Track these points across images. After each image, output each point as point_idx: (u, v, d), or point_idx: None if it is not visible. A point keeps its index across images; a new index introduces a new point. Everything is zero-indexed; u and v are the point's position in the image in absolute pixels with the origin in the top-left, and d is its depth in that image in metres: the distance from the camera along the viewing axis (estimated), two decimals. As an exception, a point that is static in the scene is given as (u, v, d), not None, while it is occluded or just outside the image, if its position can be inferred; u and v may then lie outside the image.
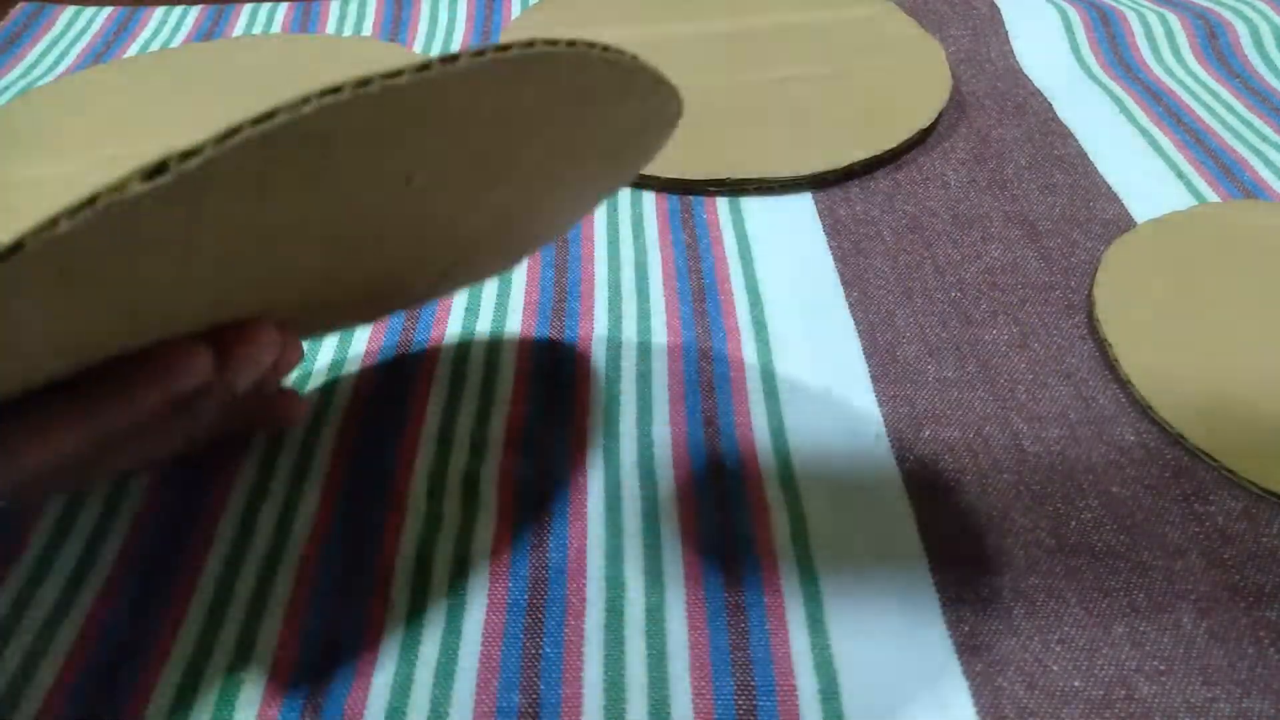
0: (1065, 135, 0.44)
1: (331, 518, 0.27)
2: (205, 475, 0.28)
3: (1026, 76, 0.49)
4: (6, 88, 0.48)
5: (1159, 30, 0.52)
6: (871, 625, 0.25)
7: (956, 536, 0.27)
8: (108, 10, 0.55)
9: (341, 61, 0.48)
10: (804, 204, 0.40)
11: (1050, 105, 0.46)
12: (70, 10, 0.55)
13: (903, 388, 0.31)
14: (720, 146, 0.41)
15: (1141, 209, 0.39)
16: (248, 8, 0.56)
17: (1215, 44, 0.50)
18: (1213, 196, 0.40)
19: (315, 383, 0.31)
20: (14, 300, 0.13)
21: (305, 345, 0.33)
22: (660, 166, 0.40)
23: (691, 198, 0.40)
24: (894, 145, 0.42)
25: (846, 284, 0.35)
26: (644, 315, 0.34)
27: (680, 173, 0.40)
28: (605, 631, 0.24)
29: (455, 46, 0.52)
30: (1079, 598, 0.25)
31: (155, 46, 0.52)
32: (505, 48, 0.16)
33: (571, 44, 0.16)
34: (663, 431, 0.29)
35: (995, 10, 0.54)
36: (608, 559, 0.26)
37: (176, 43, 0.53)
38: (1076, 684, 0.23)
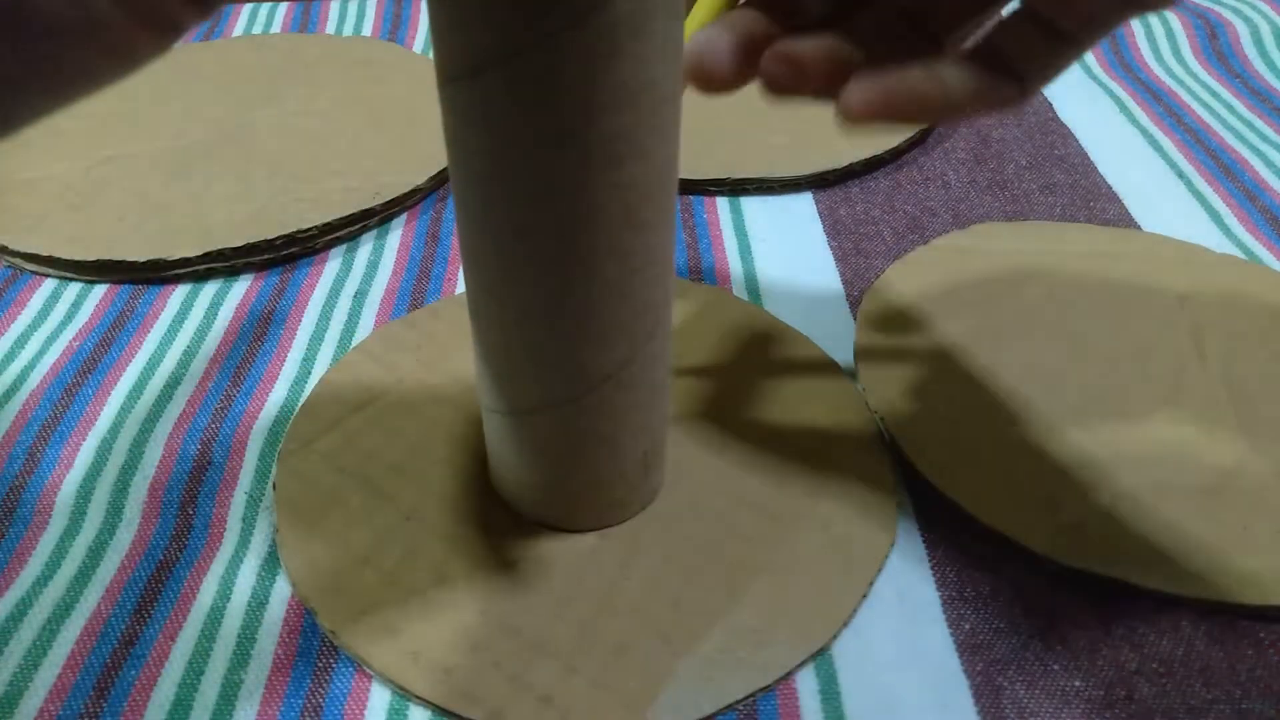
0: (1065, 135, 0.44)
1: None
2: (210, 481, 0.28)
3: (1027, 76, 0.49)
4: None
5: (1159, 30, 0.52)
6: (872, 624, 0.25)
7: (957, 533, 0.27)
8: (108, 10, 0.55)
9: (342, 61, 0.48)
10: (804, 204, 0.40)
11: (1050, 105, 0.46)
12: (70, 10, 0.55)
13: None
14: (720, 146, 0.41)
15: (1141, 209, 0.39)
16: (248, 7, 0.56)
17: (1215, 44, 0.50)
18: (1213, 196, 0.40)
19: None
20: None
21: None
22: (660, 166, 0.40)
23: (691, 198, 0.40)
24: (894, 145, 0.42)
25: (847, 284, 0.35)
26: (644, 315, 0.34)
27: (680, 173, 0.40)
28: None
29: (455, 46, 0.52)
30: (1079, 597, 0.25)
31: (155, 46, 0.52)
32: None
33: None
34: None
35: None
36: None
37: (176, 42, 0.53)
38: (1077, 684, 0.23)
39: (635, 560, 0.25)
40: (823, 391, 0.30)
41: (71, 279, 0.36)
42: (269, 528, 0.27)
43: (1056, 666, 0.24)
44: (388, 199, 0.38)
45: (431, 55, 0.51)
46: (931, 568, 0.26)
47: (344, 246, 0.38)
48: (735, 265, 0.36)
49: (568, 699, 0.22)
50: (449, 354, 0.32)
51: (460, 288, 0.35)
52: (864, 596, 0.25)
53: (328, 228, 0.37)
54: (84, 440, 0.30)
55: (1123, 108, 0.46)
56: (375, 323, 0.34)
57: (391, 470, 0.28)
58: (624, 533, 0.26)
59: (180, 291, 0.35)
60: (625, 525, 0.26)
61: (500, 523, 0.26)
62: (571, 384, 0.22)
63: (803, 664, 0.23)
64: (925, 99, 0.21)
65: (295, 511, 0.27)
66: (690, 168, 0.40)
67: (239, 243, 0.36)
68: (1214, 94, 0.47)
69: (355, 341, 0.33)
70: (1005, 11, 0.21)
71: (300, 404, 0.30)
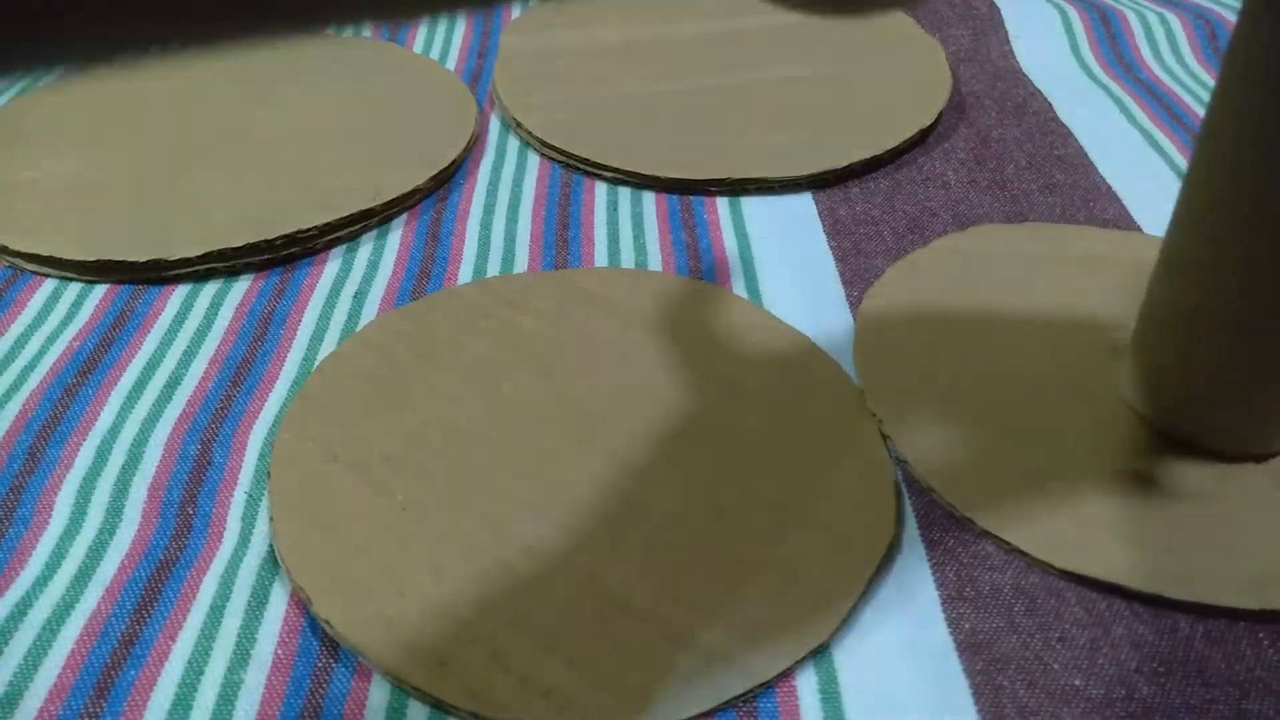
0: (1065, 135, 0.44)
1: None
2: (208, 495, 0.28)
3: (1026, 76, 0.49)
4: (6, 88, 0.48)
5: (1159, 30, 0.52)
6: (872, 624, 0.25)
7: (958, 532, 0.27)
8: (108, 10, 0.55)
9: (341, 61, 0.48)
10: (804, 204, 0.40)
11: (1050, 105, 0.46)
12: (70, 10, 0.55)
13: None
14: (720, 146, 0.41)
15: (1142, 209, 0.39)
16: (248, 7, 0.56)
17: (1215, 44, 0.50)
18: (1213, 196, 0.40)
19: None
20: None
21: None
22: (660, 166, 0.40)
23: (691, 198, 0.40)
24: (894, 145, 0.42)
25: (847, 284, 0.35)
26: (644, 315, 0.34)
27: (680, 173, 0.40)
28: (605, 632, 0.24)
29: (455, 46, 0.52)
30: (1078, 596, 0.25)
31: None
32: None
33: None
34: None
35: (995, 10, 0.54)
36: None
37: (176, 42, 0.53)
38: (1077, 683, 0.23)
39: (635, 557, 0.25)
40: (823, 391, 0.30)
41: (71, 279, 0.36)
42: (268, 528, 0.27)
43: (1056, 666, 0.24)
44: (388, 199, 0.38)
45: (431, 55, 0.51)
46: (931, 568, 0.26)
47: (344, 247, 0.38)
48: (735, 265, 0.36)
49: (566, 692, 0.22)
50: (446, 345, 0.32)
51: (460, 282, 0.35)
52: (864, 595, 0.25)
53: (328, 228, 0.37)
54: (84, 440, 0.30)
55: (1123, 108, 0.46)
56: (375, 323, 0.34)
57: (387, 460, 0.28)
58: (623, 530, 0.26)
59: (180, 291, 0.36)
60: (623, 523, 0.26)
61: (499, 516, 0.26)
62: None
63: (803, 661, 0.23)
64: None
65: (290, 501, 0.27)
66: (690, 168, 0.40)
67: (239, 243, 0.36)
68: (1214, 94, 0.47)
69: (355, 341, 0.33)
70: None
71: (295, 393, 0.30)
